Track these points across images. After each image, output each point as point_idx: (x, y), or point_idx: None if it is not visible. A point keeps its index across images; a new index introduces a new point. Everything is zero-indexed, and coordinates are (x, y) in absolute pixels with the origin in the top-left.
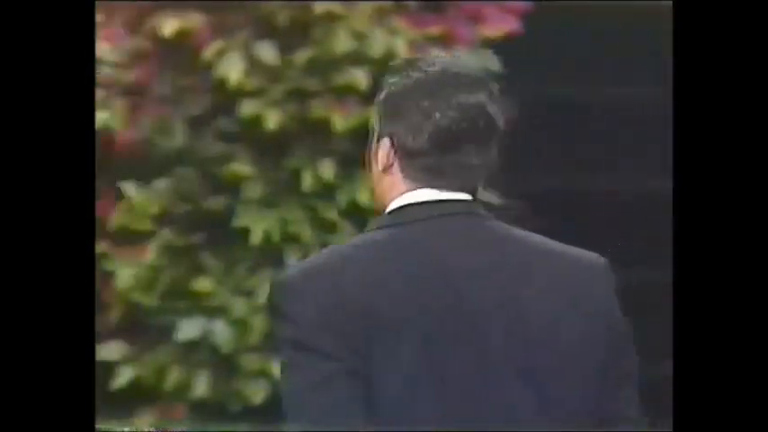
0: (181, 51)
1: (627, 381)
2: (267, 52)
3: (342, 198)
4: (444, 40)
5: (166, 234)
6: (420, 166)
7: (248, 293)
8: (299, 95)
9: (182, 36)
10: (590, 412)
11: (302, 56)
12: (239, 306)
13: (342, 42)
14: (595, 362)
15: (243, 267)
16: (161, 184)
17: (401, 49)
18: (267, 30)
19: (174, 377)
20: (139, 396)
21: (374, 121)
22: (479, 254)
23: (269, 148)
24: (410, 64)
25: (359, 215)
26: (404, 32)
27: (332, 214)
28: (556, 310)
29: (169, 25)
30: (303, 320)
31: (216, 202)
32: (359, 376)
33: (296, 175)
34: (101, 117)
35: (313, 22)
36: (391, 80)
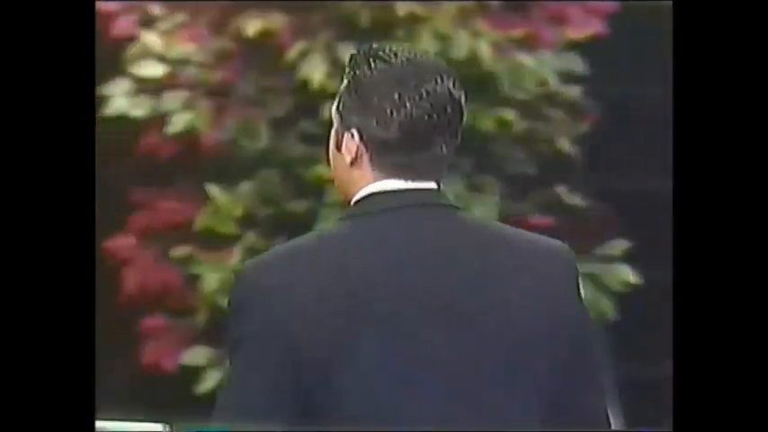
0: (264, 52)
1: (595, 377)
2: (350, 53)
3: None
4: (528, 42)
5: (251, 237)
6: (390, 158)
7: None
8: None
9: (265, 36)
10: (553, 404)
11: None
12: None
13: (425, 44)
14: (557, 353)
15: None
16: (245, 186)
17: (485, 50)
18: (349, 31)
19: None
20: None
21: (334, 114)
22: (450, 244)
23: None
24: (369, 55)
25: None
26: (487, 34)
27: None
28: (520, 298)
29: (252, 25)
30: (259, 318)
31: (299, 206)
32: (303, 388)
33: None
34: (186, 118)
35: (396, 23)
36: (352, 71)
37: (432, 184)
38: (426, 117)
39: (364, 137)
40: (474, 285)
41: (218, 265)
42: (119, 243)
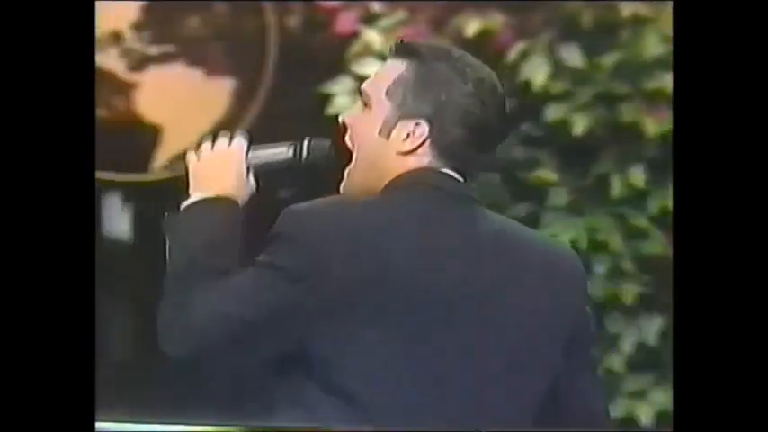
0: (484, 52)
1: (589, 368)
2: (572, 55)
3: (653, 205)
4: None
5: None
6: (451, 152)
7: None
8: (607, 100)
9: (484, 36)
10: (551, 400)
11: (609, 59)
12: None
13: (651, 46)
14: (558, 349)
15: None
16: None
17: None
18: (572, 31)
19: None
20: None
21: (384, 102)
22: (473, 238)
23: (575, 153)
24: (440, 52)
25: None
26: None
27: (642, 222)
28: (526, 295)
29: (472, 25)
30: (294, 258)
31: (521, 209)
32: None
33: (604, 181)
34: None
35: (619, 24)
36: (419, 63)
37: (471, 183)
38: (497, 121)
39: (435, 128)
40: (486, 281)
41: None
42: None
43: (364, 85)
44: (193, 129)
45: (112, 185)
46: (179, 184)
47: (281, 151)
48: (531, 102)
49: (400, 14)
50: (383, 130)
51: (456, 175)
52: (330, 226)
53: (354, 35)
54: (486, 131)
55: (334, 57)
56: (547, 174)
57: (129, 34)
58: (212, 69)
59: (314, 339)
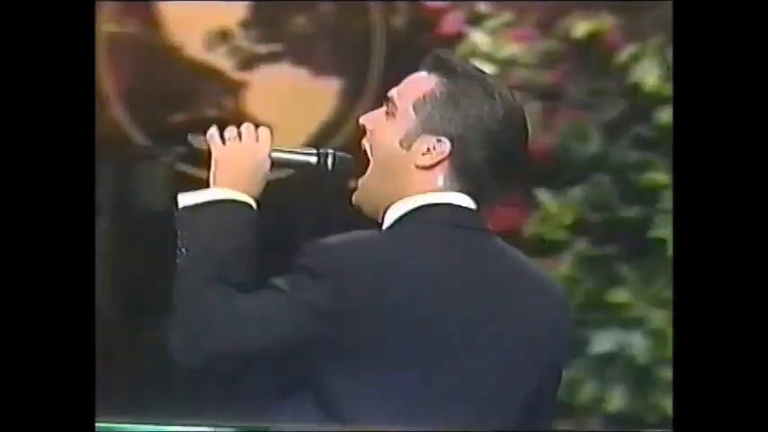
0: (593, 54)
1: (559, 377)
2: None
3: None
4: None
5: (581, 244)
6: (468, 174)
7: (666, 304)
8: None
9: (594, 38)
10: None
11: None
12: (657, 317)
13: None
14: (544, 369)
15: (660, 278)
16: (575, 191)
17: None
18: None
19: (588, 391)
20: None
21: (409, 113)
22: (485, 268)
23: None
24: (472, 72)
25: None
26: None
27: None
28: (523, 322)
29: (581, 27)
30: (330, 296)
31: (632, 212)
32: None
33: None
34: None
35: None
36: (449, 80)
37: (480, 210)
38: (520, 150)
39: (456, 148)
40: (489, 312)
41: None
42: None
43: (391, 93)
44: (301, 128)
45: None
46: (278, 184)
47: (306, 156)
48: (642, 103)
49: (507, 16)
50: (404, 142)
51: (473, 207)
52: (363, 267)
53: (460, 36)
54: (508, 159)
55: None
56: (658, 176)
57: (237, 33)
58: (319, 68)
59: (328, 373)
